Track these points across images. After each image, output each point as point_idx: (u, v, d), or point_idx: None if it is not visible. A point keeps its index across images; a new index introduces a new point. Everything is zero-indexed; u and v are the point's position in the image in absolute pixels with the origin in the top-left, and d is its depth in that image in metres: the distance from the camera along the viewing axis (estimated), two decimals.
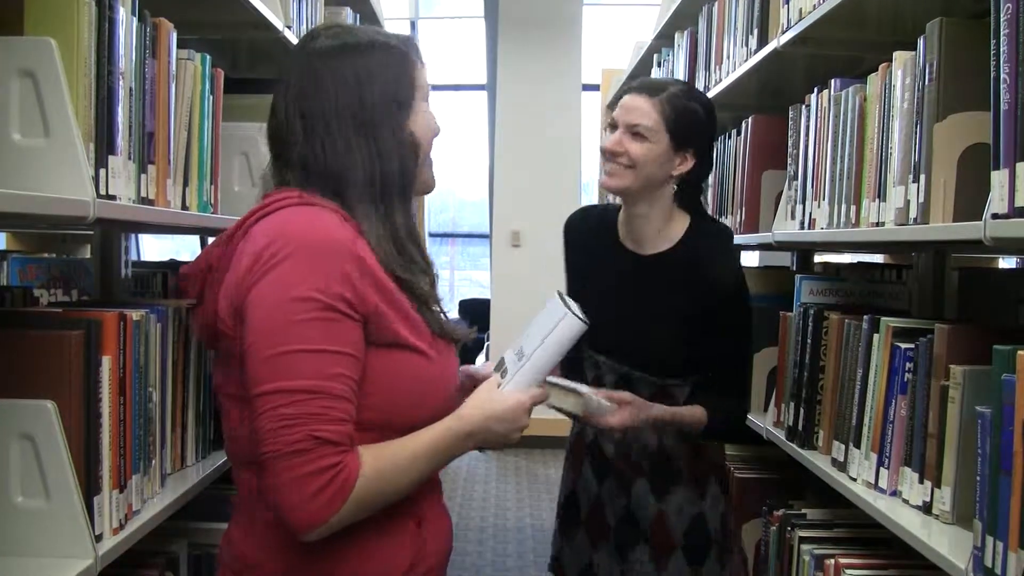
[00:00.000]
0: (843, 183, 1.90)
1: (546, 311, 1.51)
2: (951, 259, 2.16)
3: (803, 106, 2.22)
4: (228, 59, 2.78)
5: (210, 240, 1.89)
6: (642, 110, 1.99)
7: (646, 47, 4.63)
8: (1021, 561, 1.20)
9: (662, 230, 2.07)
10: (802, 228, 2.18)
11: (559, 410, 1.82)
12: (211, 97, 1.89)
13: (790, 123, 2.31)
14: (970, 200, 1.47)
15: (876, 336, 1.77)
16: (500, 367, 1.51)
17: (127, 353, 1.47)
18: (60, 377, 1.33)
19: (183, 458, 1.79)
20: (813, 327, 2.05)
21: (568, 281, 2.24)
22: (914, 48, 1.61)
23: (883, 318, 1.75)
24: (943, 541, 1.45)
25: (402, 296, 1.37)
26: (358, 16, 3.62)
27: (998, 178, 1.24)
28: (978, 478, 1.33)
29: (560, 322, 1.47)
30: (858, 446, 1.80)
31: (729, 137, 2.90)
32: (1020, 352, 1.24)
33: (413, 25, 8.84)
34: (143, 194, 1.55)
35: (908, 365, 1.66)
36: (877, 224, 1.74)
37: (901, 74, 1.66)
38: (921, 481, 1.60)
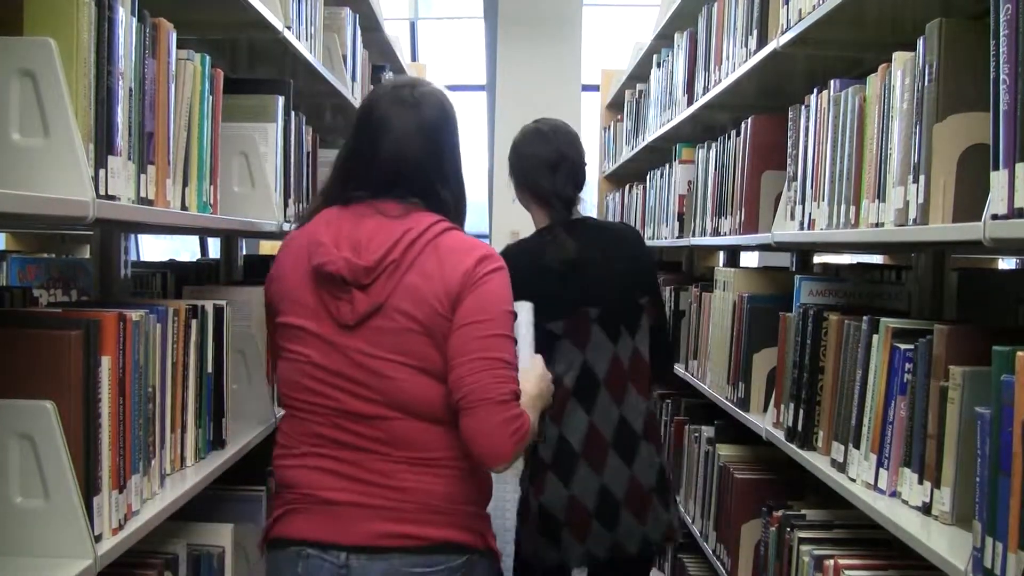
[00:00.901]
0: (843, 184, 1.90)
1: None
2: (950, 259, 2.16)
3: (803, 107, 2.22)
4: (228, 59, 2.78)
5: (210, 240, 1.93)
6: None
7: (646, 47, 4.63)
8: (1021, 562, 1.20)
9: None
10: (802, 229, 2.18)
11: None
12: (211, 97, 1.89)
13: (790, 124, 2.31)
14: (970, 201, 1.47)
15: (876, 337, 1.77)
16: None
17: (127, 353, 1.47)
18: (59, 377, 1.32)
19: (183, 458, 1.79)
20: (813, 328, 2.05)
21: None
22: (914, 48, 1.61)
23: (882, 319, 1.75)
24: (942, 542, 1.45)
25: None
26: (357, 16, 3.62)
27: (998, 179, 1.24)
28: (977, 479, 1.33)
29: (521, 310, 1.90)
30: (858, 447, 1.80)
31: (728, 138, 2.91)
32: (1020, 353, 1.23)
33: (413, 25, 8.84)
34: (143, 194, 1.55)
35: (908, 366, 1.66)
36: (877, 225, 1.74)
37: (901, 74, 1.66)
38: (921, 482, 1.60)
